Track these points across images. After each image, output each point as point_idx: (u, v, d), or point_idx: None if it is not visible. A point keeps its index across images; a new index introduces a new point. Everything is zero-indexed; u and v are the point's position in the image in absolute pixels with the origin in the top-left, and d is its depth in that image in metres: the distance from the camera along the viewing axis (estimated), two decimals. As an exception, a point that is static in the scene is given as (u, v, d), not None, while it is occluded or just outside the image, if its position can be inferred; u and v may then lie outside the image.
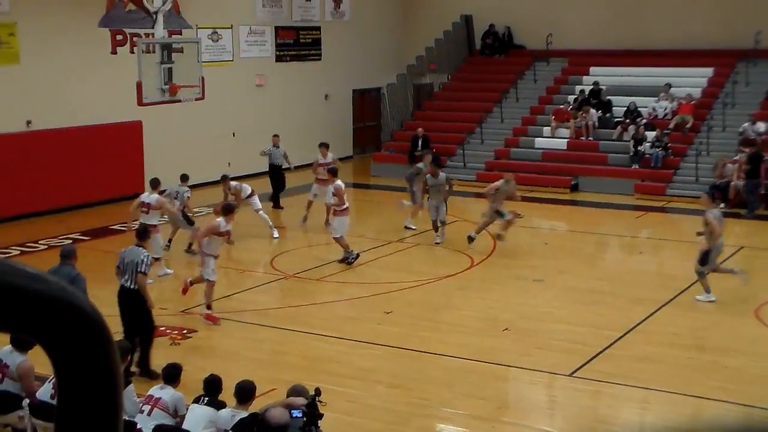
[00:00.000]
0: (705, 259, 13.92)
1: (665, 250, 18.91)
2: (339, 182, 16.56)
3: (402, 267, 16.53)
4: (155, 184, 15.81)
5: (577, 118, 25.94)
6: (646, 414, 10.46)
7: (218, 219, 13.33)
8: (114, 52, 22.40)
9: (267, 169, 21.87)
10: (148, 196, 15.59)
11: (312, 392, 7.58)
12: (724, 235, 14.39)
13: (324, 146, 20.49)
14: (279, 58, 27.27)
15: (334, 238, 16.51)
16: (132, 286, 11.07)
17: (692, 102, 25.39)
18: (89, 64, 21.72)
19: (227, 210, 13.41)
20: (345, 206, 16.33)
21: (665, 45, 27.46)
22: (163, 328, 12.84)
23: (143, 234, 11.86)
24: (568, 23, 28.90)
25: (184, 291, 13.61)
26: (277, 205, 21.42)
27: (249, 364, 11.30)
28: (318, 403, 7.44)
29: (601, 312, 13.80)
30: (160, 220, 16.18)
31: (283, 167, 21.50)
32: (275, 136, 21.91)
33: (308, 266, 16.46)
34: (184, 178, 17.55)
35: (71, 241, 17.60)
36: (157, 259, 14.79)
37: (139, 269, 10.97)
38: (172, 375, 8.64)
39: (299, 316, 13.89)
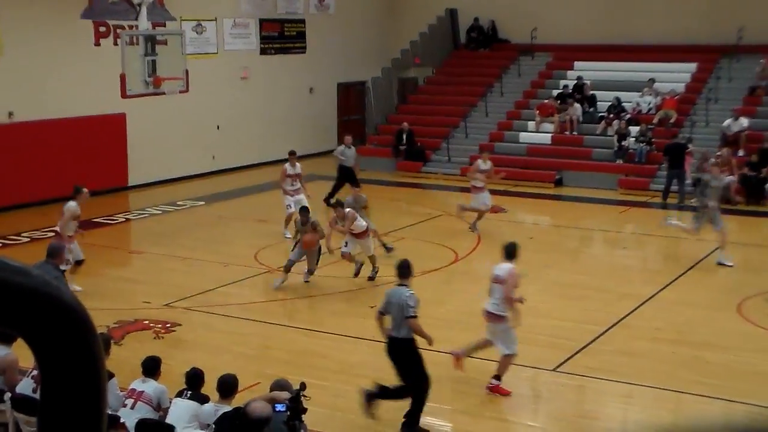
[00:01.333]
0: None
1: (649, 245, 18.98)
2: (350, 210, 15.33)
3: (386, 261, 16.47)
4: (75, 191, 14.03)
5: (561, 112, 26.00)
6: (630, 409, 10.50)
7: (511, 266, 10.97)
8: (97, 44, 22.26)
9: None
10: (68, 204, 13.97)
11: (297, 386, 7.57)
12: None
13: (485, 152, 19.63)
14: (263, 51, 27.16)
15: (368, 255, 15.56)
16: (399, 335, 9.72)
17: (676, 97, 25.48)
18: (72, 55, 21.58)
19: None
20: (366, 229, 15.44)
21: (649, 40, 27.54)
22: (147, 322, 12.81)
23: (406, 270, 10.01)
24: (552, 18, 28.93)
25: (459, 362, 11.03)
26: None
27: (233, 358, 11.26)
28: (302, 398, 7.42)
29: (584, 307, 13.85)
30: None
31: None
32: (348, 136, 21.51)
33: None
34: (356, 183, 17.80)
35: (54, 234, 17.46)
36: (63, 271, 12.89)
37: (406, 314, 9.60)
38: (151, 367, 8.61)
39: (284, 310, 13.86)
